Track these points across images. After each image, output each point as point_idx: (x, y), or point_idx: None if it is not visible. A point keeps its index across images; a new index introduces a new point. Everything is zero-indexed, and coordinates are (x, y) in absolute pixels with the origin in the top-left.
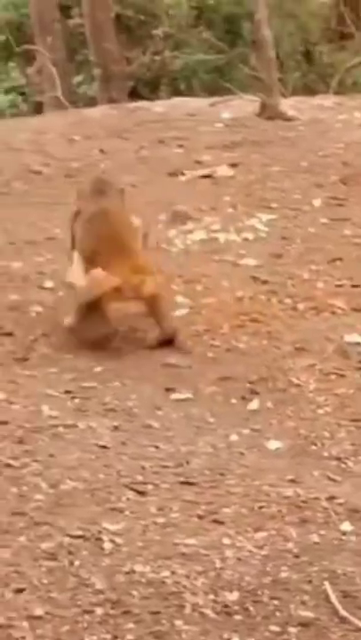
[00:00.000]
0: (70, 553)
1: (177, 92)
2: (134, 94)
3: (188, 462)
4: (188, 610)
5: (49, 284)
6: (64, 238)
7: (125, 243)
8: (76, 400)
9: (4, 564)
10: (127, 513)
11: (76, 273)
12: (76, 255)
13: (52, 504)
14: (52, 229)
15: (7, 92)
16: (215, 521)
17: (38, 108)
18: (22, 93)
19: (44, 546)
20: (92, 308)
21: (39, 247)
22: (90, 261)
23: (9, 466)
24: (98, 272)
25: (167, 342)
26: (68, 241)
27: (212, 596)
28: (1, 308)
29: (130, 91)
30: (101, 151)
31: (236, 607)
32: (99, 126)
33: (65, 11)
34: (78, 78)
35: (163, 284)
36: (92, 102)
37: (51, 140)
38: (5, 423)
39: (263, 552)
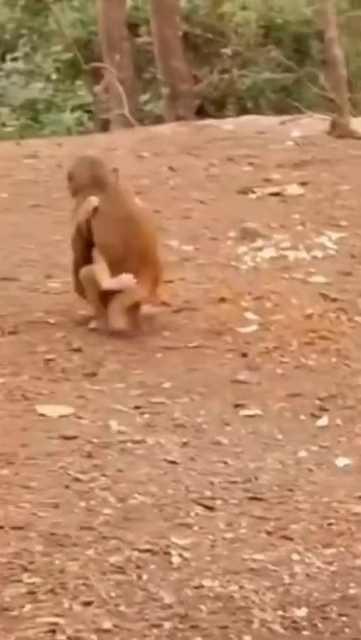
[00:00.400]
0: (138, 567)
1: (244, 111)
2: (201, 112)
3: (256, 478)
4: (256, 625)
5: None
6: None
7: (151, 254)
8: (145, 415)
9: (72, 576)
10: (195, 528)
11: (104, 272)
12: (97, 253)
13: (121, 518)
14: None
15: (73, 109)
16: (284, 537)
17: (105, 126)
18: (88, 111)
19: (113, 559)
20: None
21: None
22: (115, 264)
23: (78, 480)
24: (128, 278)
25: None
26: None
27: (280, 612)
28: (70, 324)
29: (196, 109)
30: (171, 168)
31: (305, 623)
32: (168, 143)
33: (133, 29)
34: (145, 96)
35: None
36: (158, 120)
37: (120, 156)
38: (74, 438)
39: (332, 568)
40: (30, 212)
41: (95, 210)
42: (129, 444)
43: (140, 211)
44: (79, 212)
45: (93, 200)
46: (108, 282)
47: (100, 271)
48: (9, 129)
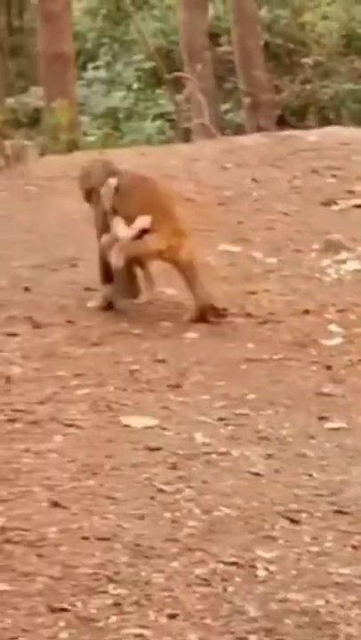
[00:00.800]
0: (224, 580)
1: (325, 122)
2: (282, 122)
3: (341, 491)
4: None
5: None
6: (203, 261)
7: (167, 207)
8: (229, 427)
9: (158, 588)
10: (281, 541)
11: (120, 226)
12: (117, 218)
13: (206, 530)
14: (204, 256)
15: (154, 118)
16: None
17: (186, 135)
18: (169, 120)
19: (198, 572)
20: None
21: None
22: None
23: (162, 491)
24: (143, 219)
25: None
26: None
27: None
28: (155, 336)
29: (277, 119)
30: (254, 180)
31: None
32: (251, 154)
33: (214, 38)
34: (226, 106)
35: (194, 251)
36: (239, 130)
37: (203, 167)
38: (159, 449)
39: None
40: None
41: (116, 189)
42: (213, 456)
43: (155, 179)
44: (103, 198)
45: (112, 181)
46: (124, 231)
47: (117, 226)
48: (91, 138)
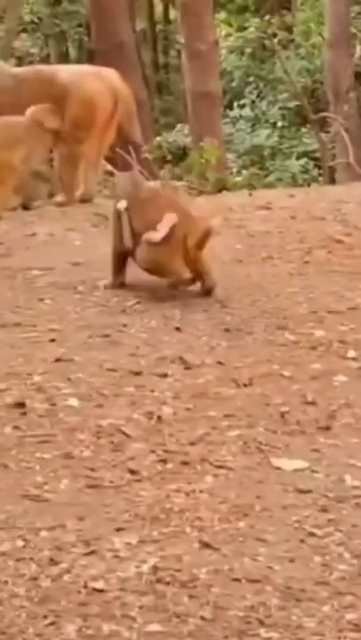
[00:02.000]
0: None
1: None
2: None
3: None
4: None
5: (352, 353)
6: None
7: (183, 207)
8: None
9: (309, 632)
10: None
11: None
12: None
13: (356, 575)
14: (354, 299)
15: (299, 157)
16: None
17: (331, 174)
18: (314, 159)
19: (349, 616)
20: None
21: (342, 316)
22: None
23: (312, 534)
24: (170, 217)
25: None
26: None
27: None
28: (304, 378)
29: None
30: None
31: None
32: None
33: (359, 77)
34: None
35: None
36: None
37: (351, 209)
38: (309, 492)
39: None
40: (263, 264)
41: (127, 210)
42: None
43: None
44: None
45: (121, 205)
46: (157, 234)
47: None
48: (237, 178)
